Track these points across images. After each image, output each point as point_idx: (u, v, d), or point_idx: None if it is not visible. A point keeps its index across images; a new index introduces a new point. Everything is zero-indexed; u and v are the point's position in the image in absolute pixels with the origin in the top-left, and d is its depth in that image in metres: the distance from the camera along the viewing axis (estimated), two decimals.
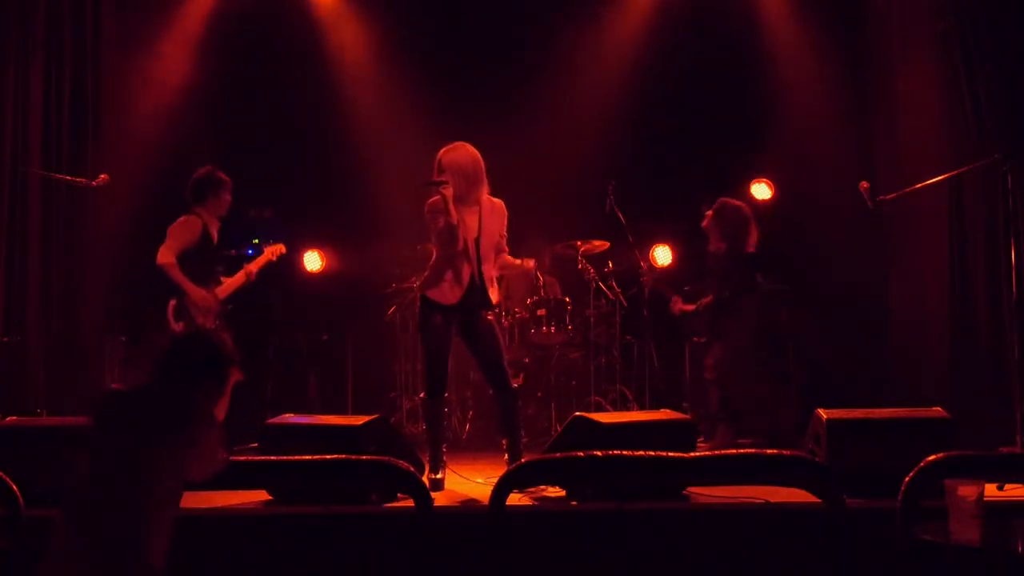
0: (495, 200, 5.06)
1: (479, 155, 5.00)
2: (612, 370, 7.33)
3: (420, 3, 8.26)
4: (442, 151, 4.98)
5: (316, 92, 8.15)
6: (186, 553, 3.58)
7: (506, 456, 4.98)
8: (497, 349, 5.03)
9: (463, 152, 4.97)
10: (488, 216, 4.99)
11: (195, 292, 5.83)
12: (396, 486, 4.06)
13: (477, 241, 4.95)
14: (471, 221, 4.94)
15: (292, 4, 8.07)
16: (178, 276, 5.78)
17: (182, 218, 5.93)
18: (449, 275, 4.93)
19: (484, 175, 4.99)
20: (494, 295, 5.03)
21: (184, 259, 5.83)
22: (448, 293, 4.93)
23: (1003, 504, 3.89)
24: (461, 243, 4.88)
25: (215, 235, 6.04)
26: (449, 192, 4.83)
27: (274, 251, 6.46)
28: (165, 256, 5.78)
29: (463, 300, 4.93)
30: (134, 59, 7.15)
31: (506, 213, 5.08)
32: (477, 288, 4.94)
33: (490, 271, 5.00)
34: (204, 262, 5.97)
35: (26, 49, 6.44)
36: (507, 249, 5.16)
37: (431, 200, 4.95)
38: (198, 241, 5.89)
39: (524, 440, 6.94)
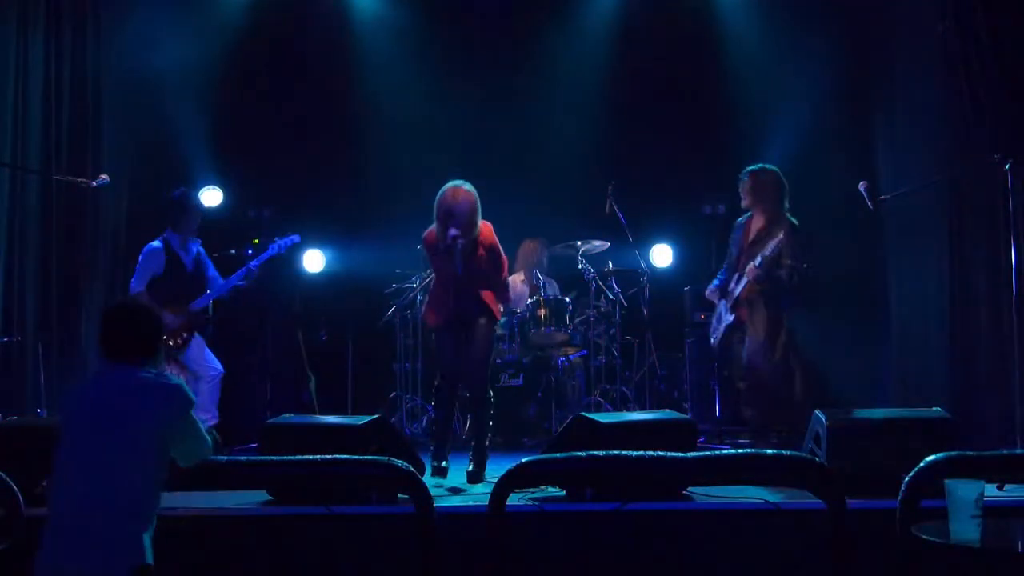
0: (482, 226, 5.19)
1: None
2: (612, 370, 7.33)
3: (421, 6, 8.26)
4: (451, 196, 5.06)
5: (317, 91, 8.14)
6: (186, 553, 3.59)
7: (470, 465, 5.12)
8: (479, 359, 5.18)
9: (470, 198, 5.09)
10: (475, 247, 5.14)
11: None
12: (396, 486, 4.05)
13: (467, 273, 5.13)
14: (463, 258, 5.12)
15: (293, 3, 8.08)
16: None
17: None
18: (442, 299, 5.20)
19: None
20: (491, 307, 5.21)
21: (151, 286, 6.07)
22: (444, 315, 5.19)
23: (1003, 504, 3.89)
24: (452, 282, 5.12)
25: (184, 256, 6.18)
26: (461, 246, 5.04)
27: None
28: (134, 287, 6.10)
29: (453, 320, 5.16)
30: (134, 58, 7.14)
31: (491, 239, 5.21)
32: (470, 309, 5.16)
33: (484, 292, 5.19)
34: (173, 283, 6.11)
35: (26, 49, 6.45)
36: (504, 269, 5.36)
37: (428, 234, 5.18)
38: (163, 267, 6.10)
39: (529, 443, 7.01)
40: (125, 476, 2.85)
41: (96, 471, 2.83)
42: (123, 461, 2.85)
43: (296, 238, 6.70)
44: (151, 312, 3.15)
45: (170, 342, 5.99)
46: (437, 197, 5.13)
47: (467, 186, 5.11)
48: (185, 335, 6.07)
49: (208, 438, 3.13)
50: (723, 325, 6.25)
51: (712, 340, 6.47)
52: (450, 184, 5.12)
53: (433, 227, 5.17)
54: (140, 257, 6.12)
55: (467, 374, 5.20)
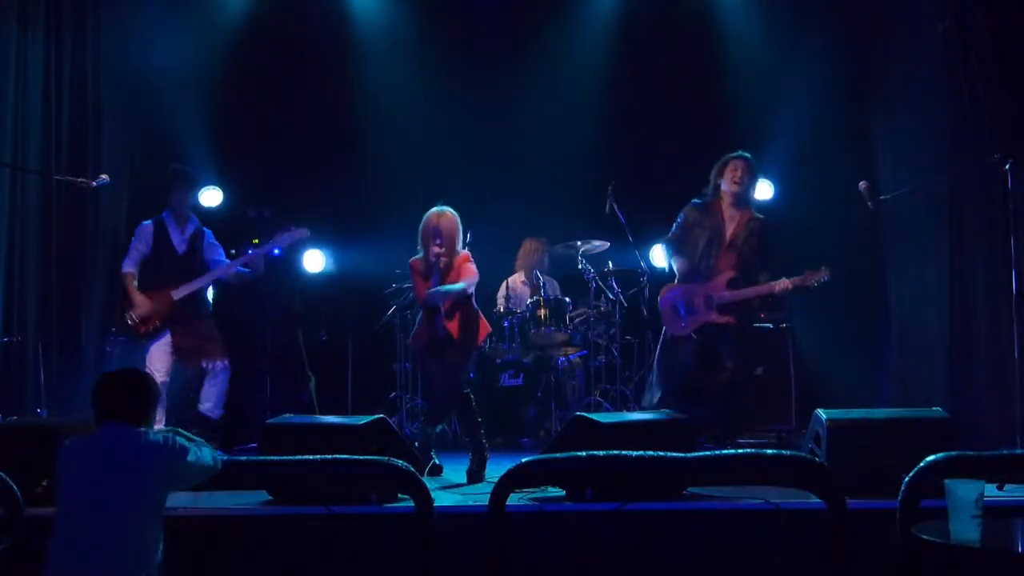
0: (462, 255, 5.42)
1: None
2: (612, 370, 7.34)
3: (421, 7, 8.26)
4: (435, 217, 5.34)
5: (317, 91, 8.15)
6: (186, 553, 3.59)
7: (470, 465, 5.27)
8: (452, 377, 5.38)
9: (453, 220, 5.36)
10: (453, 271, 5.35)
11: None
12: (396, 486, 4.06)
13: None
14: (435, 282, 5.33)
15: (293, 3, 8.08)
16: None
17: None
18: (423, 325, 5.45)
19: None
20: (458, 334, 5.36)
21: (142, 265, 6.11)
22: (422, 341, 5.46)
23: (1003, 504, 3.89)
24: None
25: (176, 236, 6.16)
26: (443, 264, 5.27)
27: None
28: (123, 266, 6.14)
29: (430, 346, 5.42)
30: (134, 58, 7.14)
31: (466, 265, 5.38)
32: (440, 336, 5.34)
33: (458, 316, 5.34)
34: (161, 266, 6.09)
35: (26, 49, 6.44)
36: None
37: (414, 261, 5.42)
38: (151, 246, 6.11)
39: (529, 443, 7.03)
40: (126, 533, 2.89)
41: (98, 530, 2.86)
42: (124, 521, 2.89)
43: (304, 232, 6.46)
44: (146, 380, 3.19)
45: (141, 328, 5.94)
46: (421, 223, 5.39)
47: (450, 210, 5.39)
48: (158, 324, 5.97)
49: (211, 464, 3.18)
50: (696, 321, 5.80)
51: (674, 332, 5.91)
52: (434, 209, 5.40)
53: (419, 256, 5.42)
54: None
55: (442, 389, 5.45)
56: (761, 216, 5.93)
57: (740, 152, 5.92)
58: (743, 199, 5.87)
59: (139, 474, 2.95)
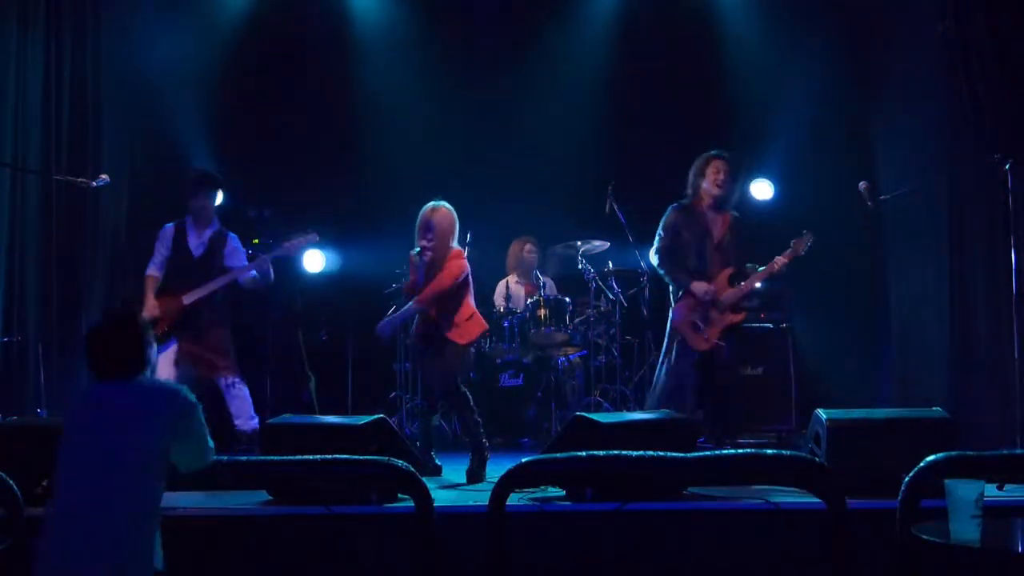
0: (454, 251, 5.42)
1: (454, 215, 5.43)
2: (612, 370, 7.34)
3: (421, 6, 8.26)
4: (429, 211, 5.37)
5: (317, 91, 8.14)
6: (186, 553, 3.59)
7: (469, 464, 5.28)
8: (440, 374, 5.42)
9: (447, 215, 5.37)
10: (439, 266, 5.35)
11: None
12: (396, 486, 4.06)
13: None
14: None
15: (293, 3, 8.08)
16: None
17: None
18: (420, 324, 5.51)
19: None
20: (449, 331, 5.36)
21: (165, 269, 6.08)
22: (420, 339, 5.53)
23: (1003, 504, 3.89)
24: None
25: (193, 240, 6.11)
26: (428, 258, 5.29)
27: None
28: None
29: (426, 344, 5.47)
30: (134, 58, 7.14)
31: (455, 260, 5.37)
32: (433, 334, 5.39)
33: (445, 311, 5.36)
34: (177, 270, 6.04)
35: (26, 48, 6.44)
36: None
37: (413, 254, 5.44)
38: (171, 249, 6.07)
39: (529, 443, 7.03)
40: (128, 486, 2.83)
41: (101, 482, 2.81)
42: (128, 470, 2.83)
43: (314, 237, 6.41)
44: (129, 321, 3.07)
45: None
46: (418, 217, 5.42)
47: (446, 205, 5.40)
48: (165, 329, 5.91)
49: (212, 444, 3.12)
50: (717, 329, 5.70)
51: (700, 347, 5.71)
52: (429, 204, 5.41)
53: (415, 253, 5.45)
54: None
55: (435, 387, 5.47)
56: (737, 214, 5.93)
57: (719, 151, 5.86)
58: (724, 202, 5.82)
59: (150, 417, 2.89)
